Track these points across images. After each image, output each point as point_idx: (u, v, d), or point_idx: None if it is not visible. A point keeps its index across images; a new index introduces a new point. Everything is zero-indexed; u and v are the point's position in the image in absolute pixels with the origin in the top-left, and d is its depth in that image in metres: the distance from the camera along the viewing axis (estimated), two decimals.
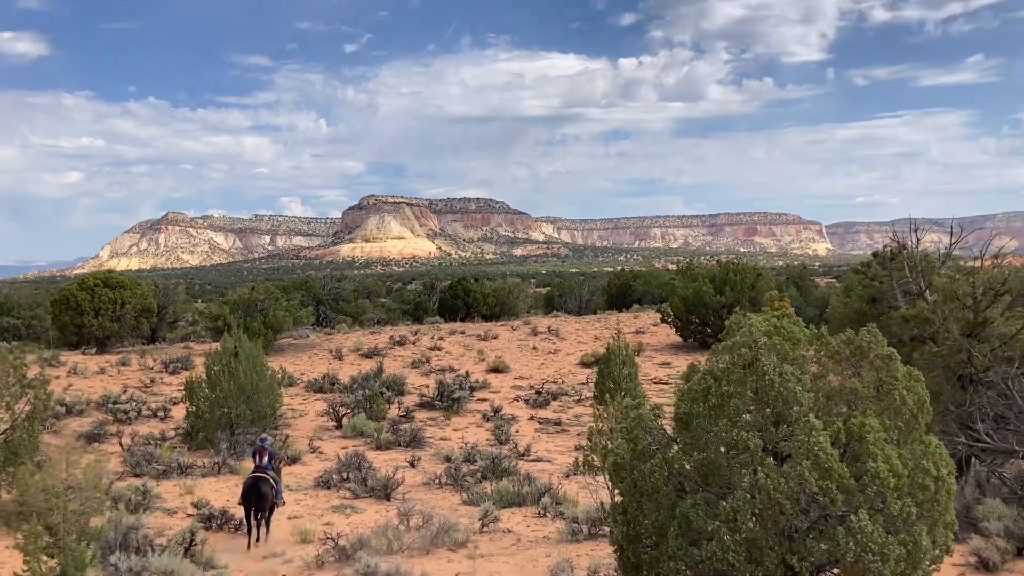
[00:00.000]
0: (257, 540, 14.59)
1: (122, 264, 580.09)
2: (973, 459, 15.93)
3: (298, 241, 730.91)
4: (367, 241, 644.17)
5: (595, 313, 59.07)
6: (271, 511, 15.12)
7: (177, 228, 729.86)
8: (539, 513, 16.85)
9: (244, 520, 14.85)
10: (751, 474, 7.65)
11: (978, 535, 12.70)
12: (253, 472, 15.28)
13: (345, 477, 20.12)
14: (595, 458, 14.20)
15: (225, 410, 23.66)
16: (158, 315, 48.05)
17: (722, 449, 7.89)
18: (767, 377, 7.65)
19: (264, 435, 17.05)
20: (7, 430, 15.74)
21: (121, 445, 23.02)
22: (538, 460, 23.66)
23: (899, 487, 7.24)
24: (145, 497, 16.89)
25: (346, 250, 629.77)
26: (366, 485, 19.07)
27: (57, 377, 32.74)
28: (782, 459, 7.79)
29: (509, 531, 15.32)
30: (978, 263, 17.15)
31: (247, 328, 39.40)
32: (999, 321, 15.76)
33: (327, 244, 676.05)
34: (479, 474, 20.79)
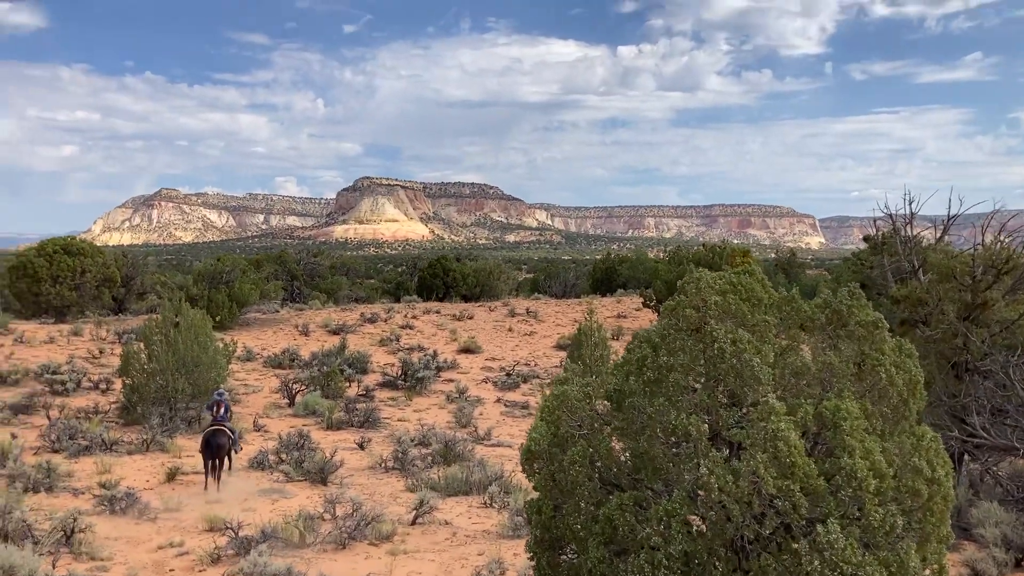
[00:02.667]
0: (216, 483, 16.12)
1: (114, 239, 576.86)
2: (966, 456, 14.34)
3: (292, 221, 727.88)
4: (361, 223, 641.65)
5: (579, 297, 57.51)
6: (230, 458, 16.92)
7: (171, 204, 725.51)
8: (485, 503, 15.22)
9: (204, 469, 16.33)
10: (694, 468, 6.01)
11: (971, 543, 11.10)
12: (211, 424, 16.75)
13: (282, 458, 18.47)
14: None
15: (162, 383, 21.97)
16: (125, 286, 46.23)
17: (660, 435, 6.22)
18: (717, 346, 6.00)
19: (220, 388, 19.05)
20: None
21: (48, 418, 21.28)
22: (498, 445, 22.03)
23: (882, 490, 5.60)
24: (49, 475, 15.18)
25: (340, 231, 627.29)
26: (301, 468, 17.41)
27: (0, 346, 31.01)
28: (734, 450, 6.15)
29: (446, 523, 13.67)
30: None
31: (211, 300, 37.79)
32: (1000, 304, 14.13)
33: (321, 224, 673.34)
34: (430, 459, 19.17)
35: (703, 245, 42.05)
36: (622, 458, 6.70)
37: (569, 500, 6.57)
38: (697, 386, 6.34)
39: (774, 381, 6.20)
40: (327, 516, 13.68)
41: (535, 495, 7.13)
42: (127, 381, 22.15)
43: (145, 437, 19.63)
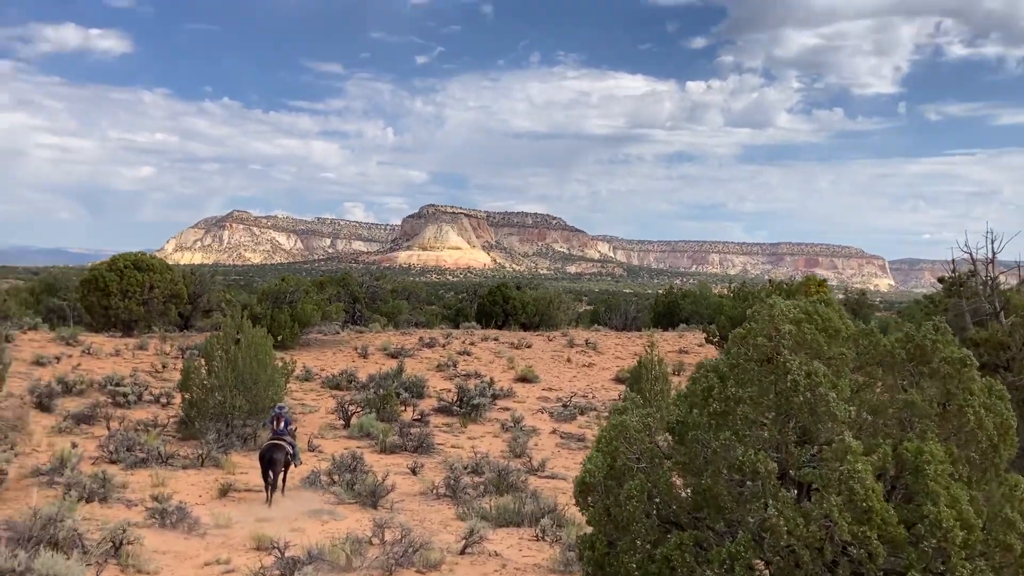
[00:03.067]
0: (271, 497, 16.45)
1: (186, 258, 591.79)
2: None
3: (358, 245, 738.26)
4: (424, 249, 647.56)
5: (640, 331, 56.75)
6: (286, 470, 17.20)
7: (241, 226, 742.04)
8: (537, 536, 14.80)
9: (263, 480, 16.75)
10: (760, 509, 5.60)
11: None
12: (270, 439, 17.16)
13: (334, 479, 18.33)
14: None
15: (220, 399, 22.09)
16: (192, 303, 47.10)
17: (724, 472, 5.83)
18: (790, 378, 5.60)
19: (281, 403, 19.30)
20: None
21: (108, 429, 21.55)
22: (552, 477, 21.60)
23: (970, 543, 5.11)
24: (104, 486, 15.26)
25: (403, 257, 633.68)
26: (353, 490, 17.23)
27: (69, 356, 31.71)
28: (805, 491, 5.72)
29: (496, 555, 13.30)
30: None
31: (273, 319, 38.20)
32: None
33: (385, 250, 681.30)
34: (482, 487, 18.84)
35: (770, 282, 41.14)
36: (683, 494, 6.33)
37: (624, 537, 6.21)
38: (766, 421, 5.94)
39: (850, 418, 5.76)
40: (375, 540, 13.43)
41: (588, 530, 6.75)
42: (186, 396, 22.33)
43: (200, 452, 19.70)
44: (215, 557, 12.12)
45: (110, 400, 25.25)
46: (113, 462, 18.66)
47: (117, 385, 26.35)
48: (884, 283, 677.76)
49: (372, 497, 16.83)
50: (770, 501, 5.43)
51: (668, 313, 61.41)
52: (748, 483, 5.62)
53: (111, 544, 11.33)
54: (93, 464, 18.06)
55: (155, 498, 14.94)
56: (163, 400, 26.21)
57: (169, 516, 13.73)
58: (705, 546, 5.79)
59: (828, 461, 5.30)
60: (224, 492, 16.72)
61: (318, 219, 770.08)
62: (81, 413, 22.89)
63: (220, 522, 14.25)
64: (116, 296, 40.41)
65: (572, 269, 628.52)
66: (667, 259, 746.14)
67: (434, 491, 18.48)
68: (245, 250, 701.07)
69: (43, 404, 23.60)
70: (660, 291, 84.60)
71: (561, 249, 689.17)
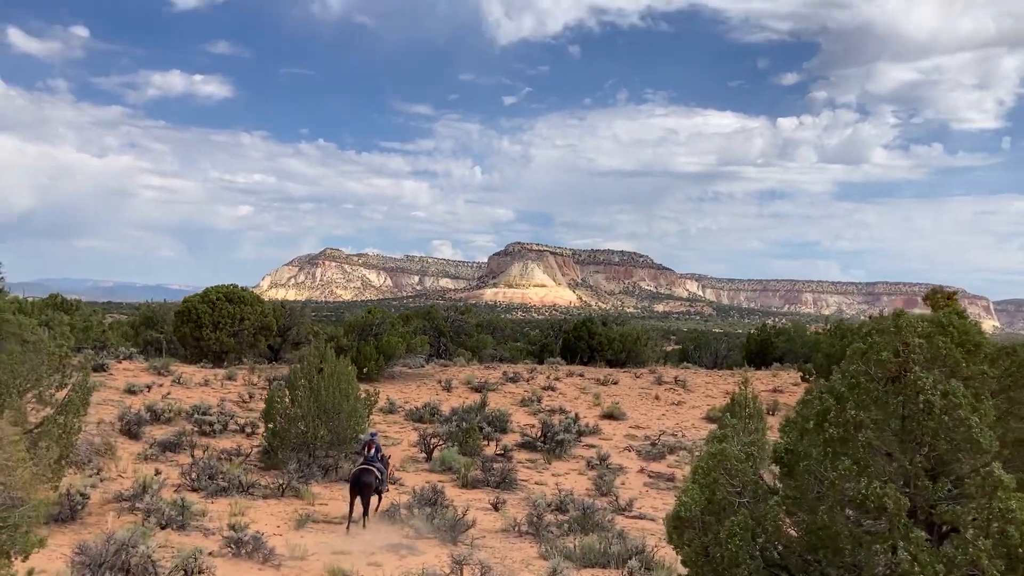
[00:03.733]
0: (350, 526, 16.66)
1: (280, 294, 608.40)
2: None
3: (445, 283, 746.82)
4: (510, 287, 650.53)
5: (731, 369, 55.07)
6: (379, 498, 17.79)
7: (333, 264, 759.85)
8: None
9: (349, 507, 17.03)
10: (888, 552, 4.79)
11: None
12: (360, 464, 17.50)
13: (414, 513, 17.82)
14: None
15: (303, 429, 21.93)
16: (281, 335, 47.74)
17: (842, 508, 5.04)
18: (922, 398, 4.81)
19: (372, 431, 20.19)
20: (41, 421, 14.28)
21: (192, 456, 21.58)
22: (640, 517, 20.65)
23: None
24: (182, 513, 15.08)
25: (489, 294, 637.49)
26: (432, 524, 16.68)
27: (160, 385, 32.24)
28: (941, 534, 4.89)
29: None
30: None
31: (359, 351, 38.26)
32: None
33: (472, 287, 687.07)
34: (566, 526, 18.05)
35: (869, 316, 39.29)
36: (792, 533, 5.54)
37: None
38: (891, 450, 5.15)
39: (994, 447, 4.91)
40: None
41: (682, 571, 6.00)
42: (269, 425, 22.25)
43: (281, 482, 19.49)
44: None
45: (196, 429, 25.42)
46: (195, 490, 18.59)
47: (204, 414, 26.54)
48: (989, 324, 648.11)
49: (452, 532, 16.26)
50: (901, 543, 4.62)
51: (761, 352, 59.47)
52: (874, 521, 4.82)
53: (182, 573, 11.01)
54: (176, 491, 18.00)
55: (232, 527, 14.67)
56: (248, 430, 26.27)
57: (245, 546, 13.42)
58: None
59: (973, 497, 4.47)
60: (302, 523, 16.40)
61: (407, 256, 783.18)
62: (167, 441, 23.03)
63: (296, 553, 13.87)
64: (208, 328, 41.18)
65: (659, 308, 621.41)
66: (758, 298, 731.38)
67: (516, 528, 17.80)
68: (336, 287, 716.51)
69: (131, 431, 23.86)
70: (752, 330, 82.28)
71: (648, 287, 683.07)
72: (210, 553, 13.38)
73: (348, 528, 16.55)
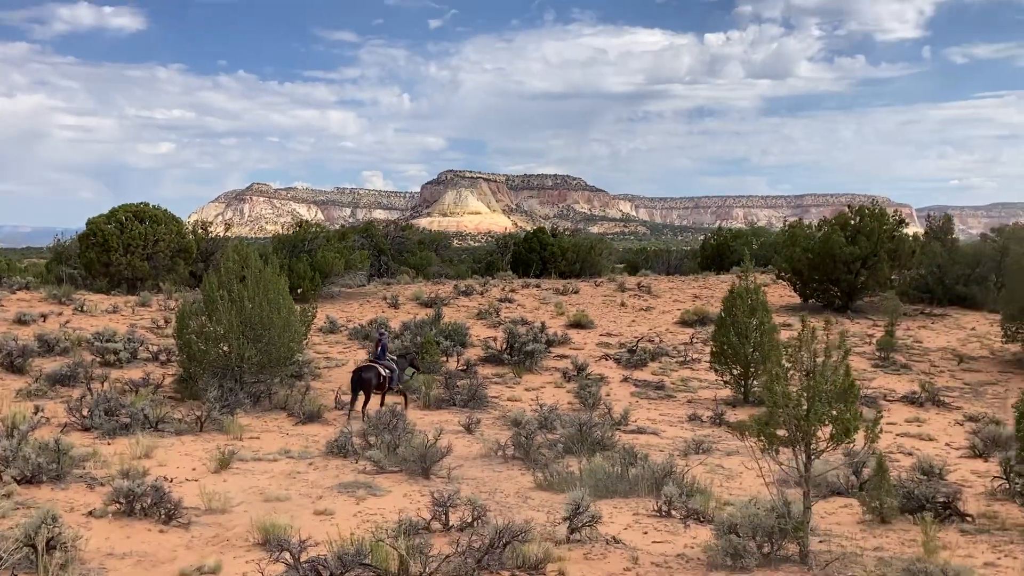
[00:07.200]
0: (356, 416, 16.79)
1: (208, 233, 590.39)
2: None
3: (378, 214, 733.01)
4: (444, 215, 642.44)
5: (688, 276, 52.24)
6: (384, 395, 17.95)
7: (262, 199, 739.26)
8: (660, 510, 10.52)
9: (349, 403, 17.48)
10: None
11: None
12: (364, 361, 18.75)
13: (370, 443, 14.16)
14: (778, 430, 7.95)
15: (225, 349, 17.95)
16: (204, 259, 42.97)
17: None
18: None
19: (381, 328, 21.53)
20: None
21: (90, 390, 17.41)
22: (640, 432, 17.37)
23: None
24: (57, 461, 11.10)
25: (424, 223, 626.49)
26: (396, 454, 13.04)
27: (59, 315, 27.66)
28: None
29: (616, 541, 9.01)
30: None
31: (291, 270, 33.96)
32: None
33: (406, 217, 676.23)
34: (560, 446, 14.62)
35: (848, 206, 36.32)
36: None
37: None
38: None
39: None
40: (436, 525, 9.24)
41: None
42: (182, 344, 18.22)
43: (199, 414, 15.58)
44: (197, 562, 7.91)
45: (98, 359, 21.22)
46: (86, 429, 14.60)
47: (108, 341, 22.28)
48: (911, 231, 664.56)
49: (422, 463, 12.63)
50: None
51: (717, 256, 56.88)
52: None
53: (29, 548, 7.15)
54: (63, 432, 13.99)
55: (126, 474, 10.76)
56: (162, 357, 22.13)
57: (140, 499, 9.55)
58: None
59: None
60: (225, 463, 12.57)
61: (337, 189, 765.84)
62: (59, 373, 18.84)
63: (215, 505, 10.10)
64: (117, 251, 36.26)
65: (595, 229, 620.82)
66: (690, 215, 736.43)
67: (499, 453, 14.29)
68: (266, 223, 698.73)
69: (14, 365, 19.57)
70: (688, 250, 79.83)
71: (583, 210, 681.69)
72: (89, 513, 9.52)
73: (348, 420, 16.59)
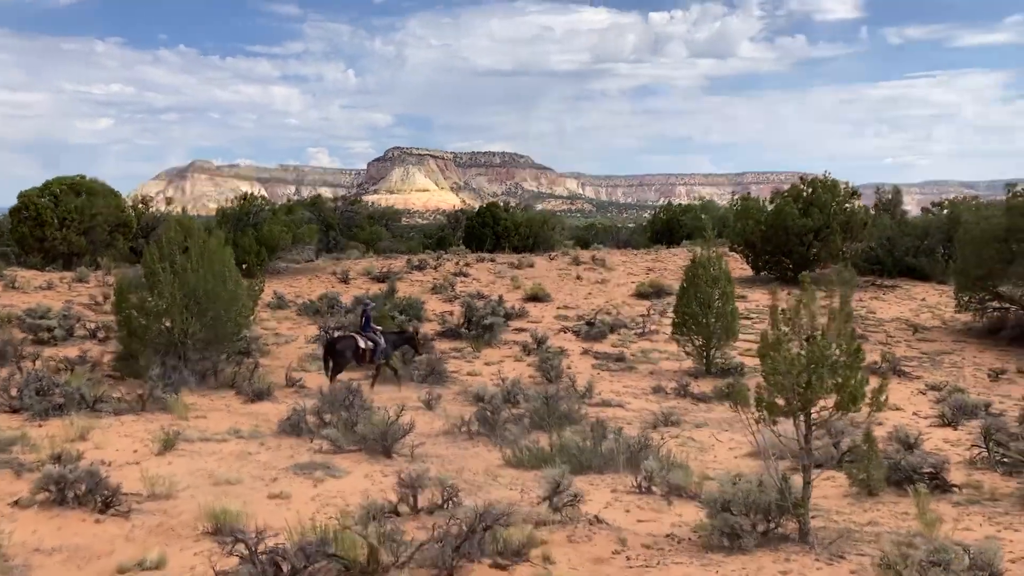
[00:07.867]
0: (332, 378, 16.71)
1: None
2: None
3: (323, 191, 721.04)
4: (391, 192, 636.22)
5: (640, 249, 51.98)
6: (378, 369, 17.77)
7: (204, 176, 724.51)
8: (639, 486, 9.93)
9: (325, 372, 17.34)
10: None
11: None
12: (347, 331, 18.72)
13: (325, 420, 13.34)
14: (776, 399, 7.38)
15: (167, 325, 16.90)
16: (144, 235, 41.28)
17: None
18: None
19: (368, 301, 20.68)
20: None
21: (20, 369, 16.26)
22: (606, 404, 16.83)
23: None
24: None
25: (371, 201, 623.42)
26: (354, 432, 12.25)
27: None
28: None
29: (599, 520, 8.38)
30: None
31: (236, 244, 32.67)
32: None
33: (352, 195, 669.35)
34: (526, 421, 13.98)
35: (800, 178, 36.19)
36: None
37: None
38: None
39: None
40: (404, 508, 8.51)
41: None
42: (121, 320, 17.13)
43: (141, 392, 14.58)
44: (138, 556, 7.07)
45: (30, 336, 19.98)
46: (15, 411, 13.53)
47: (41, 318, 21.02)
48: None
49: (383, 440, 11.86)
50: None
51: (667, 230, 56.81)
52: None
53: None
54: None
55: (57, 458, 9.81)
56: (100, 335, 20.95)
57: (73, 486, 8.64)
58: None
59: None
60: (170, 444, 11.63)
61: (282, 166, 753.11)
62: None
63: (158, 490, 9.21)
64: (52, 226, 34.59)
65: (542, 206, 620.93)
66: (635, 193, 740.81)
67: (463, 428, 13.59)
68: (208, 200, 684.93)
69: None
70: (633, 227, 79.90)
71: (530, 187, 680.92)
72: (15, 502, 8.59)
73: (331, 381, 16.48)
